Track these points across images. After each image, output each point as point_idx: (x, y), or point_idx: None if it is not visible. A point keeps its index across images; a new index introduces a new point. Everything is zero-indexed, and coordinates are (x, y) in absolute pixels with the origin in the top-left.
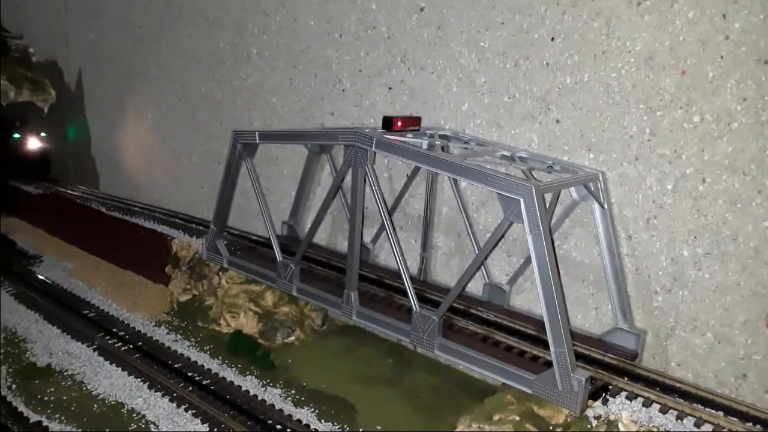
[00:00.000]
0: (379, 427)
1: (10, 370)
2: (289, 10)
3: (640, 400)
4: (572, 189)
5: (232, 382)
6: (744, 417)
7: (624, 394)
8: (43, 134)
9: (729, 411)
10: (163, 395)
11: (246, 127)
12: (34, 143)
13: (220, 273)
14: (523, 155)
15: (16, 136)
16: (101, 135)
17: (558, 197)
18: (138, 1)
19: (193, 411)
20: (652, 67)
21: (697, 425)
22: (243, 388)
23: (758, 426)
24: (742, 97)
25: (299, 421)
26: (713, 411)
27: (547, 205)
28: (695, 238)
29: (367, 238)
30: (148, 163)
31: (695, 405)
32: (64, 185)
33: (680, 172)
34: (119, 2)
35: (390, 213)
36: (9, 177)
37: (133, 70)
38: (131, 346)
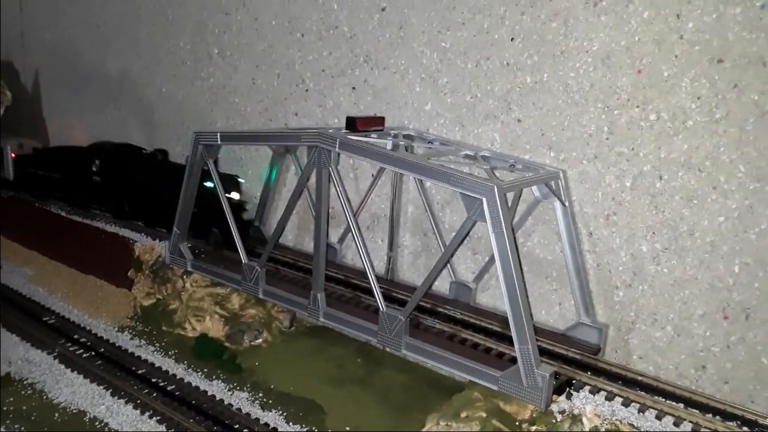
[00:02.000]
0: (347, 428)
1: None
2: (249, 10)
3: (603, 393)
4: (534, 187)
5: (197, 387)
6: (703, 408)
7: (587, 388)
8: (240, 180)
9: (689, 403)
10: (126, 402)
11: (208, 127)
12: (233, 194)
13: (185, 276)
14: (486, 154)
15: (209, 185)
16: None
17: (520, 196)
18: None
19: (158, 417)
20: (609, 66)
21: (658, 417)
22: (209, 393)
23: (717, 417)
24: (696, 95)
25: (266, 424)
26: (674, 403)
27: (510, 203)
28: (654, 233)
29: (334, 239)
30: None
31: (656, 397)
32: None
33: (638, 169)
34: (77, 1)
35: (356, 213)
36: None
37: (92, 70)
38: (93, 353)
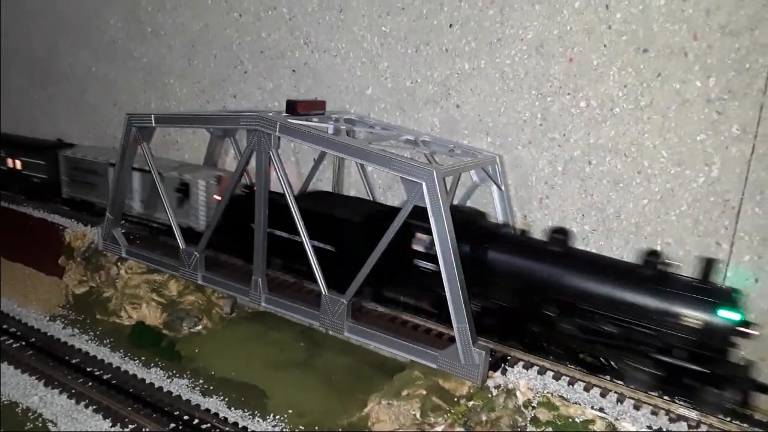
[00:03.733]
0: (290, 411)
1: None
2: None
3: (535, 368)
4: (472, 171)
5: (135, 375)
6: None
7: (521, 363)
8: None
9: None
10: (60, 392)
11: (142, 109)
12: None
13: (119, 263)
14: (426, 139)
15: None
16: None
17: (459, 180)
18: None
19: (94, 407)
20: (542, 54)
21: (586, 389)
22: (147, 381)
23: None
24: (623, 83)
25: (207, 410)
26: (601, 376)
27: (449, 187)
28: (583, 215)
29: None
30: None
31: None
32: None
33: (569, 154)
34: None
35: (298, 197)
36: None
37: (16, 47)
38: (24, 343)
